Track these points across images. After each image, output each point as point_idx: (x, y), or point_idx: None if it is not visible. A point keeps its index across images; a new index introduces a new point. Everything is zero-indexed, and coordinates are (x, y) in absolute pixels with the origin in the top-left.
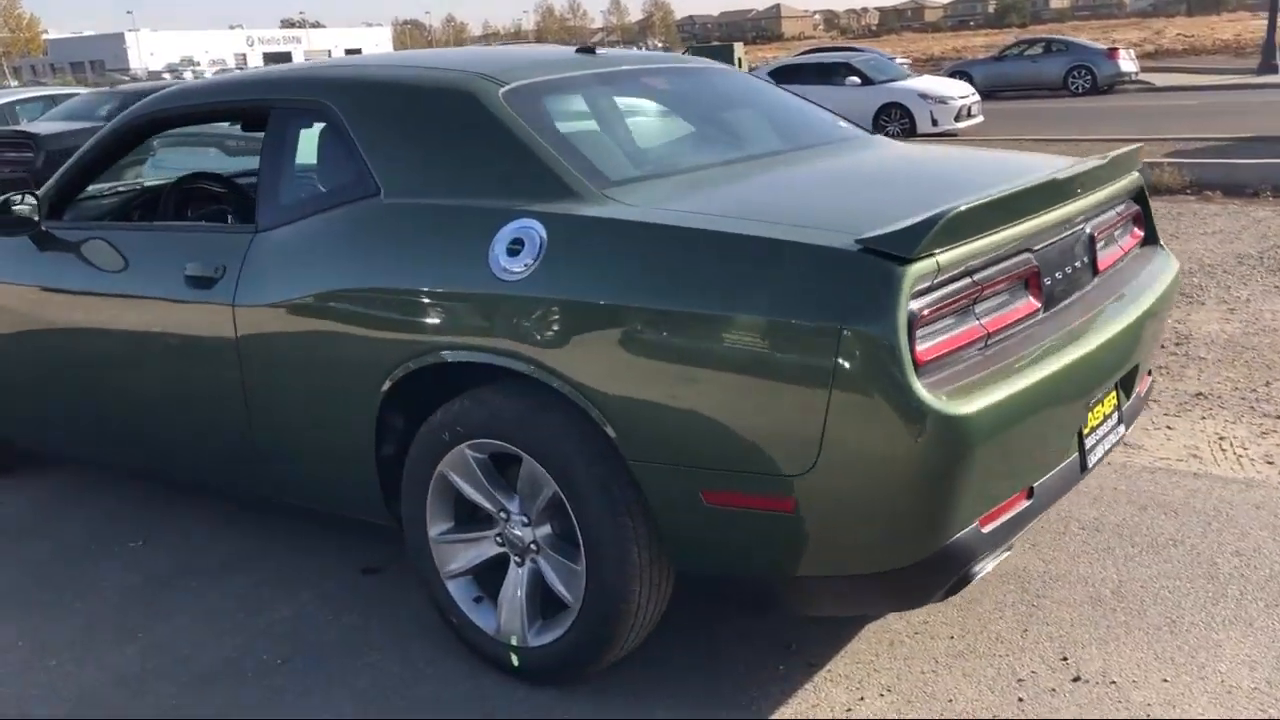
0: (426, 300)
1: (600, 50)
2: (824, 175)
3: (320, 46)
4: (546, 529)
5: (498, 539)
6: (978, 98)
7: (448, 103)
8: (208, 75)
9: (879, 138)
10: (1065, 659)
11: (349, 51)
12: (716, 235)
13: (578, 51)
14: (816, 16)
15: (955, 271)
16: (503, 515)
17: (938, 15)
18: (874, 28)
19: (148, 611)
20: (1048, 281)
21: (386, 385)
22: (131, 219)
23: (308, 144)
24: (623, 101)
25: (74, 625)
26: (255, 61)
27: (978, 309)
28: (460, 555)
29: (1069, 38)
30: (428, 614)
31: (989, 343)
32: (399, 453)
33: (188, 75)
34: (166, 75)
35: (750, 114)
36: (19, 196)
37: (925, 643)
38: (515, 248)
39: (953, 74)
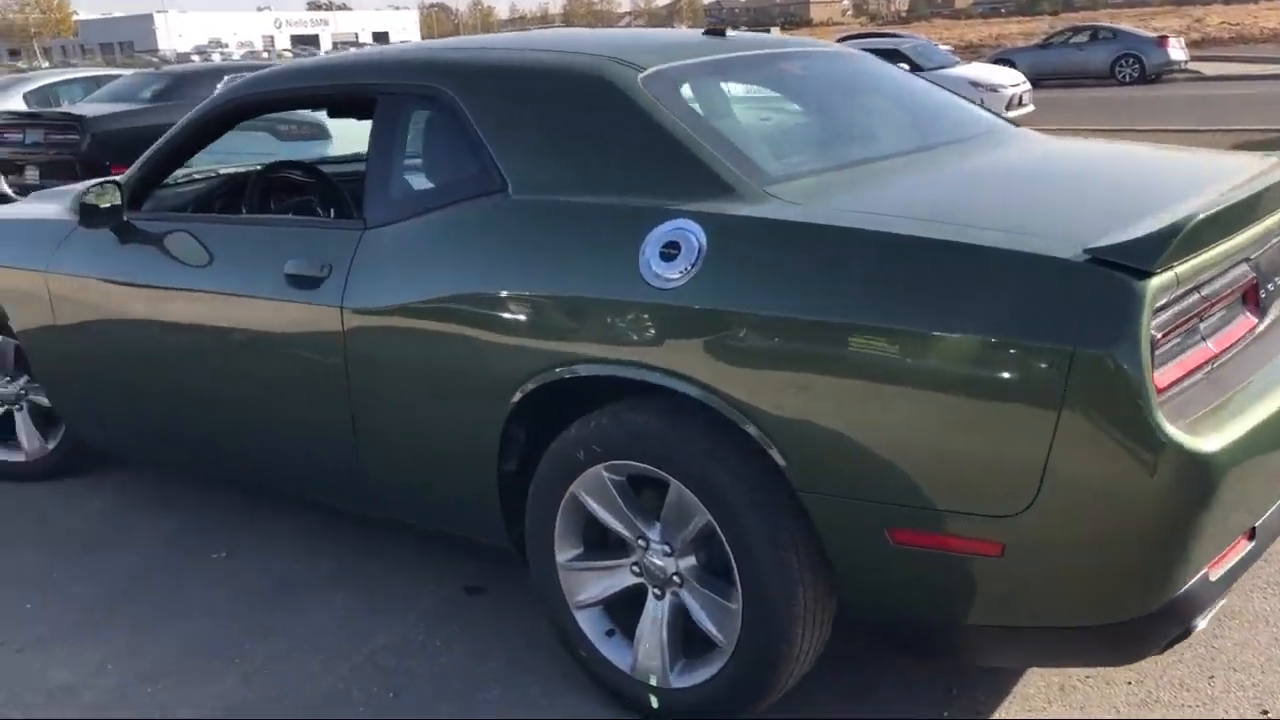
0: (564, 308)
1: (729, 32)
2: (1002, 172)
3: (347, 29)
4: (691, 560)
5: (634, 568)
6: (1028, 85)
7: (582, 90)
8: (235, 57)
9: (1026, 130)
10: (1265, 711)
11: (376, 36)
12: (914, 241)
13: (706, 34)
14: (845, 2)
15: (1189, 286)
16: (641, 543)
17: (968, 2)
18: (904, 14)
19: (243, 633)
20: (1263, 294)
21: (516, 398)
22: (213, 210)
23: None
24: (762, 89)
25: (166, 647)
26: (283, 44)
27: (1203, 327)
28: (591, 584)
29: (1117, 25)
30: (544, 641)
31: (1214, 365)
32: (520, 470)
33: (215, 57)
34: (195, 57)
35: (894, 103)
36: (101, 186)
37: (1101, 689)
38: (670, 252)
39: (996, 62)
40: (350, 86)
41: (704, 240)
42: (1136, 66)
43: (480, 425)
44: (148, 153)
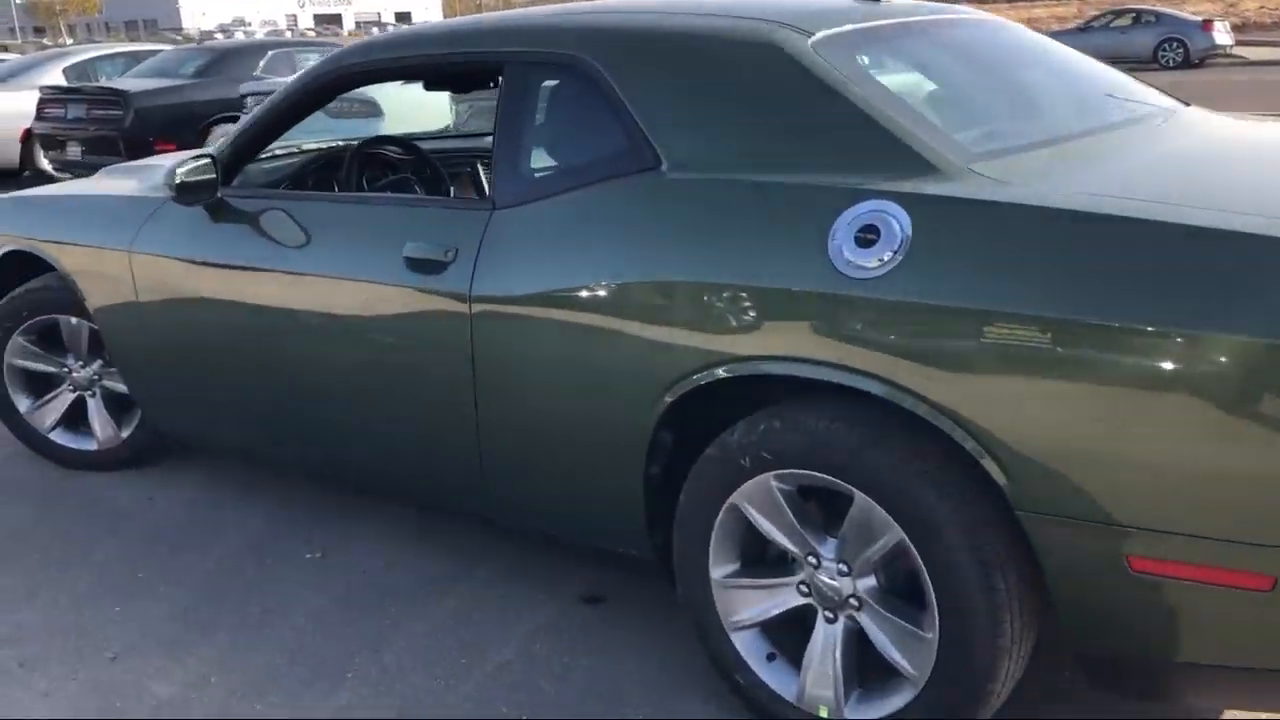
0: (733, 299)
1: None
2: (1213, 152)
3: (369, 8)
4: (871, 581)
5: (802, 588)
6: None
7: (747, 57)
8: (259, 36)
9: (1195, 108)
10: None
11: (398, 16)
12: (1169, 228)
13: None
14: None
15: None
16: (810, 560)
17: None
18: None
19: (350, 643)
20: None
21: (669, 399)
22: (305, 187)
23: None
24: (932, 58)
25: (270, 657)
26: (305, 23)
27: None
28: (751, 604)
29: (1160, 8)
30: (681, 660)
31: None
32: (664, 475)
33: (239, 35)
34: (218, 35)
35: (1061, 77)
36: (195, 161)
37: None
38: (867, 237)
39: None
40: (473, 55)
41: (908, 225)
42: (1180, 51)
43: (626, 427)
44: (241, 125)
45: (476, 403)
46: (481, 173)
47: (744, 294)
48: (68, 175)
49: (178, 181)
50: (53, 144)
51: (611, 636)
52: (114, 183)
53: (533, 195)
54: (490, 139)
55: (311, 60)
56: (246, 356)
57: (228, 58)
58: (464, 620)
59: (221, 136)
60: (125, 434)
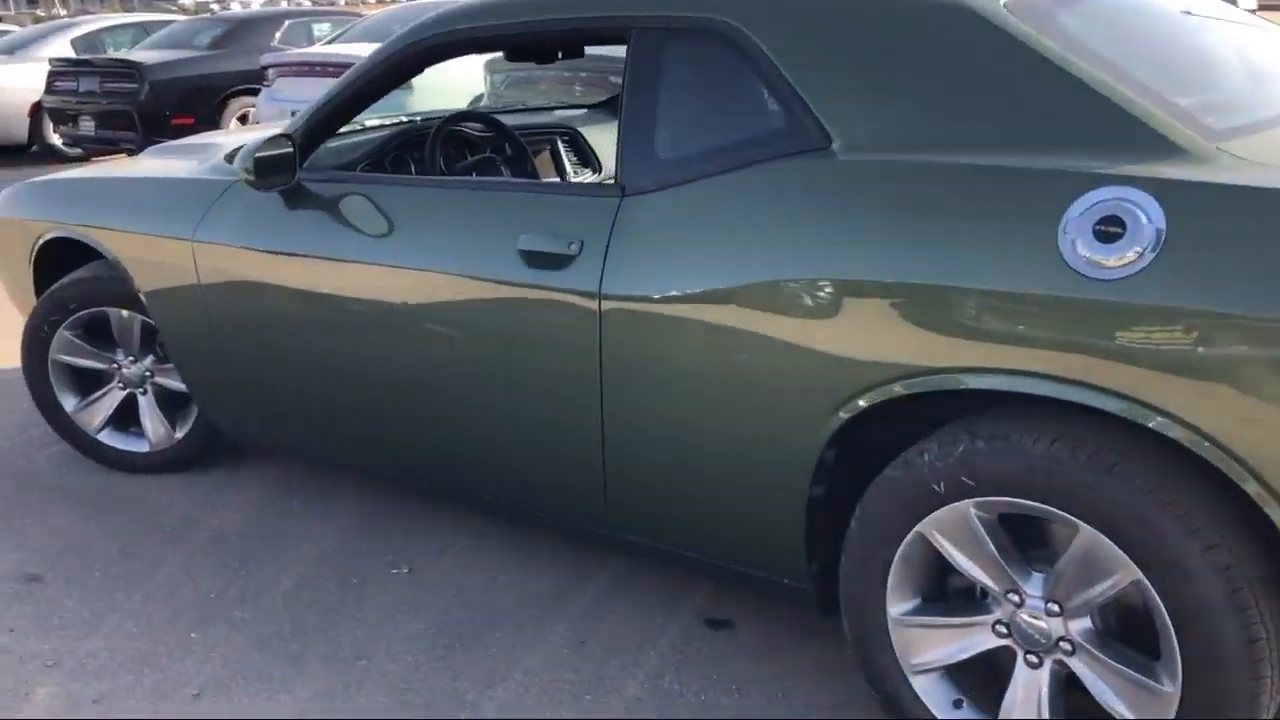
0: (934, 302)
1: None
2: None
3: None
4: (1087, 623)
5: (999, 627)
6: None
7: (933, 20)
8: (255, 6)
9: None
10: None
11: None
12: None
13: None
14: None
15: None
16: (1011, 597)
17: None
18: None
19: (459, 678)
20: None
21: (843, 416)
22: (381, 170)
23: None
24: (1136, 22)
25: (373, 697)
26: None
27: None
28: (938, 644)
29: None
30: (837, 699)
31: None
32: (826, 497)
33: (234, 6)
34: (214, 7)
35: (1245, 46)
36: (273, 141)
37: None
38: (1110, 231)
39: None
40: (594, 21)
41: (1160, 216)
42: None
43: (789, 445)
44: (318, 102)
45: (603, 411)
46: (563, 151)
47: (946, 296)
48: (78, 151)
49: (256, 163)
50: (63, 118)
51: (747, 669)
52: (167, 163)
53: (670, 179)
54: (571, 113)
55: (325, 30)
56: (327, 356)
57: (244, 28)
58: (579, 649)
59: (241, 110)
60: (179, 434)
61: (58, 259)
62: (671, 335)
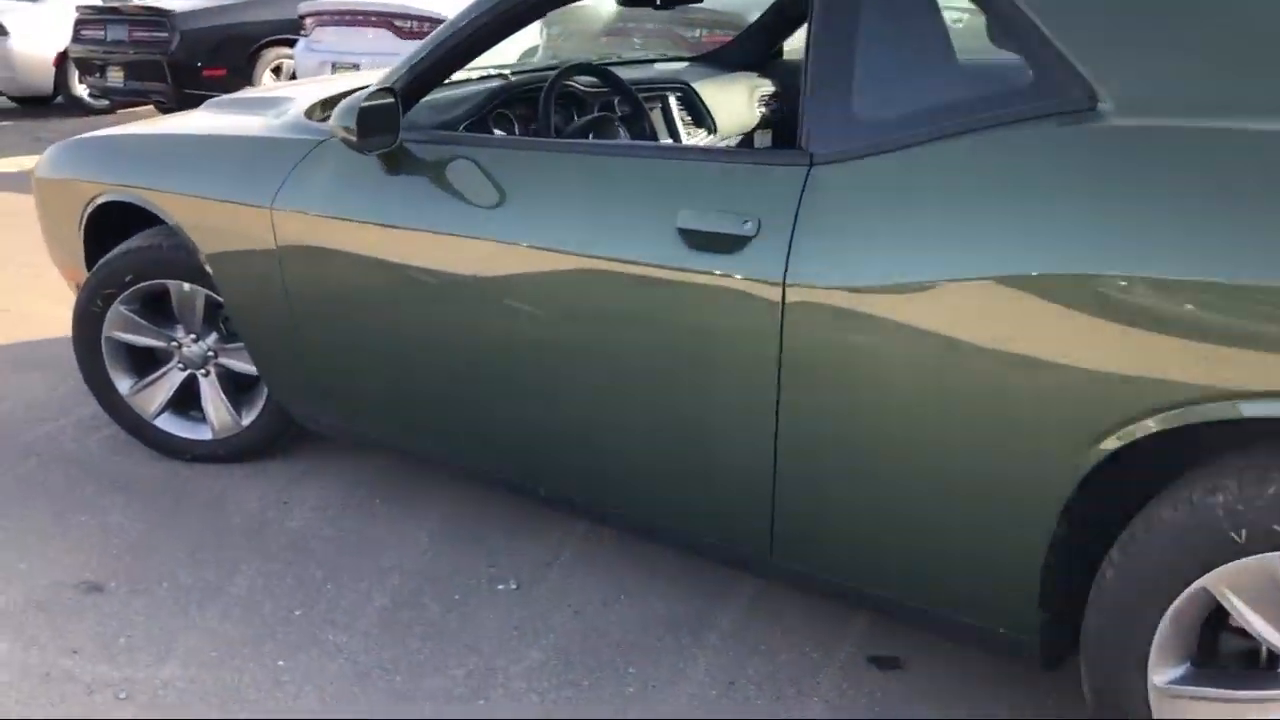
0: (1255, 307)
1: None
2: None
3: None
4: None
5: None
6: None
7: None
8: None
9: None
10: None
11: None
12: None
13: None
14: None
15: None
16: None
17: None
18: None
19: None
20: None
21: (1112, 445)
22: (486, 130)
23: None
24: None
25: None
26: None
27: None
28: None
29: None
30: None
31: None
32: (1069, 536)
33: None
34: None
35: None
36: (379, 95)
37: None
38: None
39: None
40: None
41: None
42: None
43: (1036, 478)
44: (421, 50)
45: (778, 423)
46: (675, 108)
47: (1258, 298)
48: (105, 103)
49: (361, 120)
50: (90, 69)
51: (930, 717)
52: (234, 120)
53: (875, 145)
54: (672, 66)
55: None
56: (430, 345)
57: None
58: (729, 690)
59: (275, 61)
60: (246, 421)
61: (109, 225)
62: (877, 338)
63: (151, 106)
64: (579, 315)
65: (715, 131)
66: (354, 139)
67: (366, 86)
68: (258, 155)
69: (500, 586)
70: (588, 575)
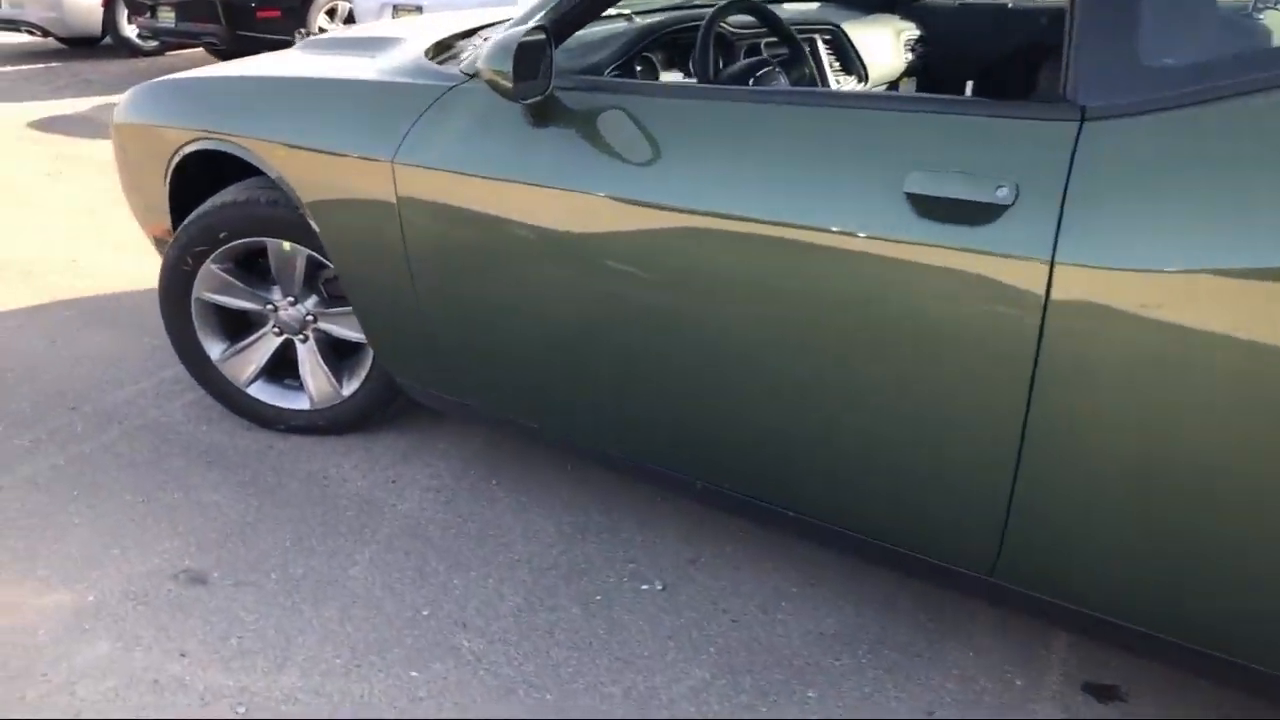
0: None
1: None
2: None
3: None
4: None
5: None
6: None
7: None
8: None
9: None
10: None
11: None
12: None
13: None
14: None
15: None
16: None
17: None
18: None
19: None
20: None
21: None
22: (632, 75)
23: None
24: None
25: None
26: None
27: None
28: None
29: None
30: None
31: None
32: None
33: None
34: None
35: None
36: (528, 35)
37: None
38: None
39: None
40: None
41: None
42: None
43: None
44: None
45: (1025, 431)
46: (823, 52)
47: None
48: (154, 44)
49: (518, 63)
50: (140, 9)
51: None
52: (338, 61)
53: (1172, 97)
54: (807, 6)
55: None
56: (584, 320)
57: None
58: (929, 713)
59: (328, 4)
60: (347, 391)
61: (197, 175)
62: (1170, 337)
63: (203, 49)
64: (776, 296)
65: (866, 79)
66: (509, 85)
67: (496, 24)
68: (377, 102)
69: (644, 587)
70: (738, 577)
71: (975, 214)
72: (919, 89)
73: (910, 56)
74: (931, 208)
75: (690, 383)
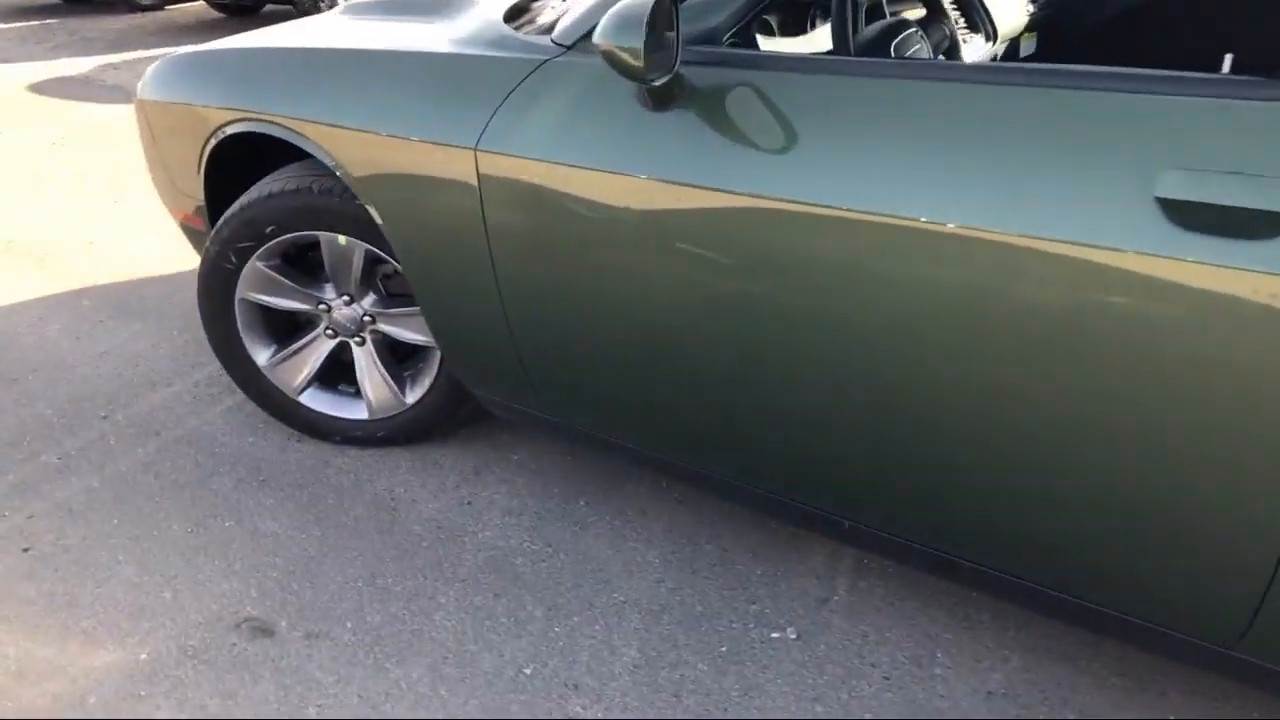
0: None
1: None
2: None
3: None
4: None
5: None
6: None
7: None
8: None
9: None
10: None
11: None
12: None
13: None
14: None
15: None
16: None
17: None
18: None
19: None
20: None
21: None
22: (753, 44)
23: None
24: None
25: None
26: None
27: None
28: None
29: None
30: None
31: None
32: None
33: None
34: None
35: None
36: (651, 4)
37: None
38: None
39: None
40: None
41: None
42: None
43: None
44: None
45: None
46: (948, 6)
47: None
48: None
49: (650, 35)
50: None
51: None
52: (396, 29)
53: None
54: None
55: None
56: (704, 331)
57: None
58: None
59: None
60: (410, 399)
61: (231, 156)
62: None
63: (204, 3)
64: (985, 320)
65: (994, 37)
66: (638, 63)
67: None
68: (453, 78)
69: (775, 635)
70: (880, 621)
71: (1252, 225)
72: (1040, 45)
73: (1032, 11)
74: (1191, 216)
75: (877, 431)
